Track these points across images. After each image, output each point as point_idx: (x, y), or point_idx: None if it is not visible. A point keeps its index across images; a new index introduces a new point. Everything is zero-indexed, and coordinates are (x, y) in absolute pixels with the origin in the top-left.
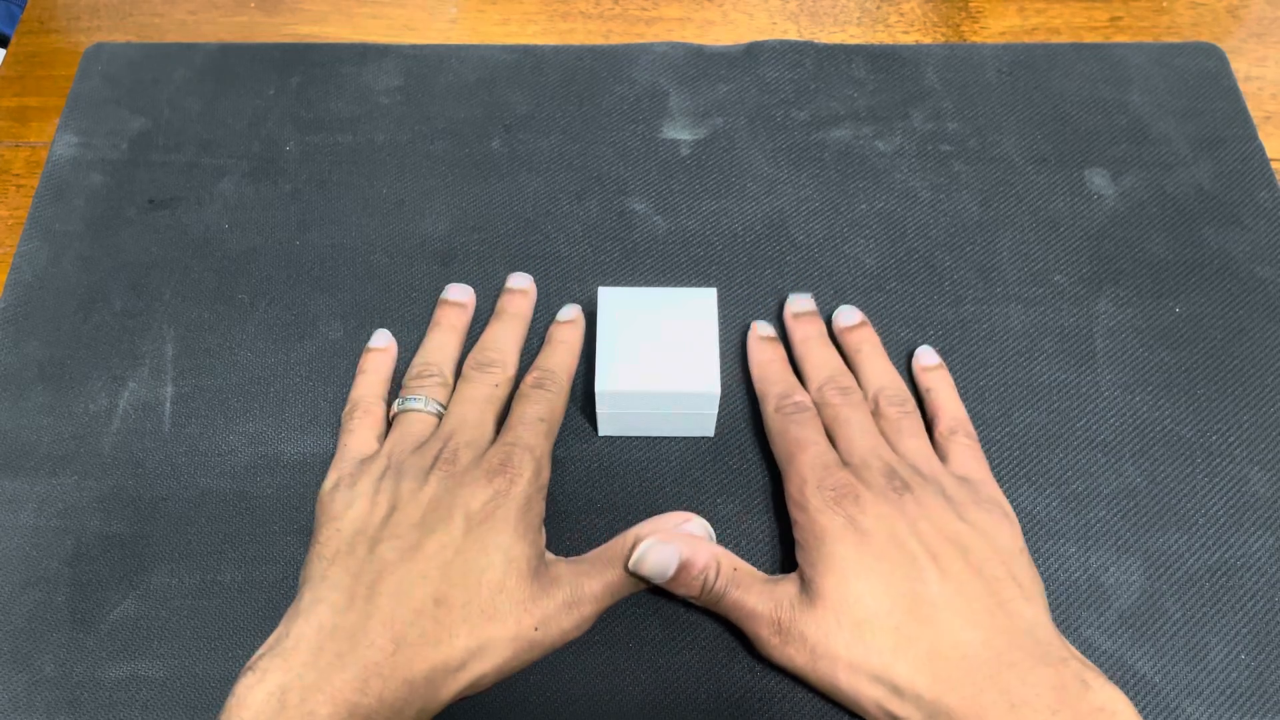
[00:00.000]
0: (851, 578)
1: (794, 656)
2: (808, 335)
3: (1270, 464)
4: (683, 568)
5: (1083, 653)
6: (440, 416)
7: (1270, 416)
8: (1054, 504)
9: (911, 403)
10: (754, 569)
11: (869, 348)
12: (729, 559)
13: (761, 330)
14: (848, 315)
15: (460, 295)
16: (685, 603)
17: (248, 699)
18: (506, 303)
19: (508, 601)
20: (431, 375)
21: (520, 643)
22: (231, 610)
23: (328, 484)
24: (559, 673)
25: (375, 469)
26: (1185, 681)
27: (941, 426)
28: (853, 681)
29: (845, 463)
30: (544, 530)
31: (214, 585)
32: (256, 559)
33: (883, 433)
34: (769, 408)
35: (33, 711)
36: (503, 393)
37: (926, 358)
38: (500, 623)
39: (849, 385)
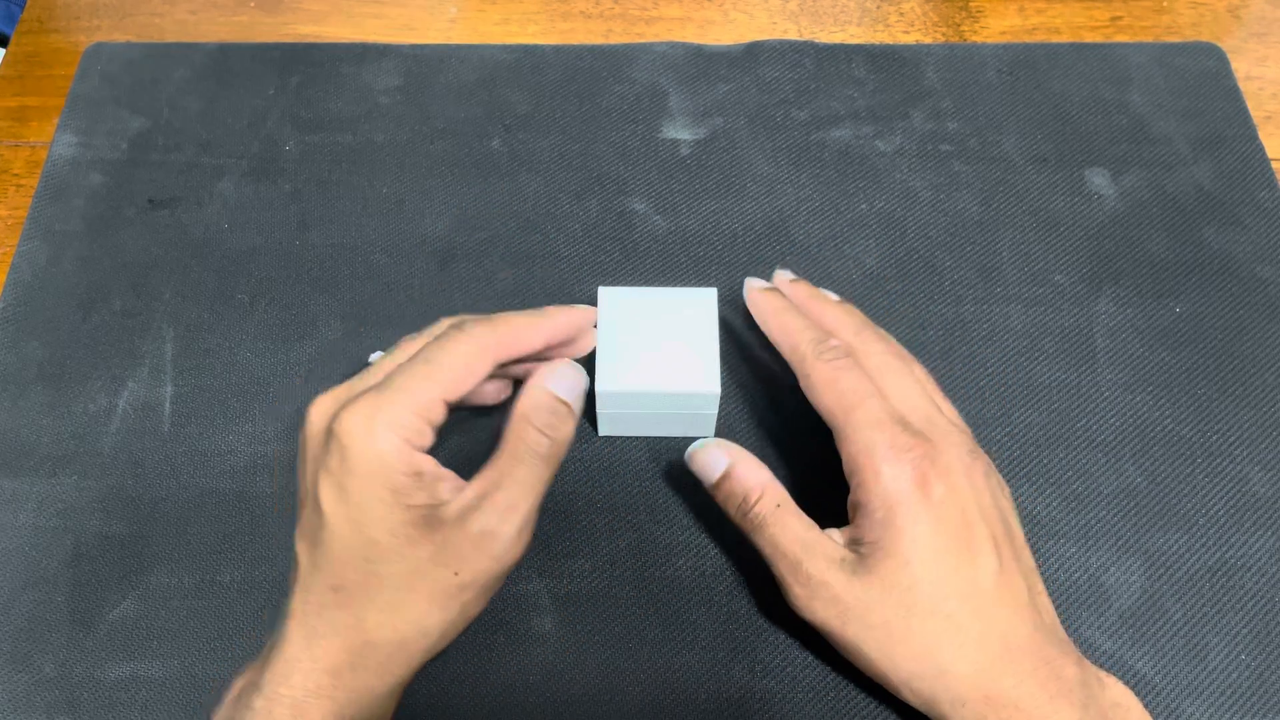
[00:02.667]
0: (915, 562)
1: (819, 611)
2: (814, 293)
3: (1271, 464)
4: (726, 477)
5: (1083, 652)
6: None
7: (1271, 416)
8: (1054, 504)
9: (895, 342)
10: (800, 511)
11: (823, 298)
12: (777, 491)
13: (758, 283)
14: (785, 272)
15: None
16: (684, 603)
17: (223, 699)
18: (549, 309)
19: (406, 566)
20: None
21: (447, 596)
22: (231, 610)
23: None
24: (559, 673)
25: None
26: (1185, 681)
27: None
28: (887, 653)
29: (905, 420)
30: (439, 479)
31: (214, 585)
32: (256, 559)
33: None
34: (806, 355)
35: (33, 711)
36: (416, 345)
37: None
38: (409, 589)
39: (885, 334)
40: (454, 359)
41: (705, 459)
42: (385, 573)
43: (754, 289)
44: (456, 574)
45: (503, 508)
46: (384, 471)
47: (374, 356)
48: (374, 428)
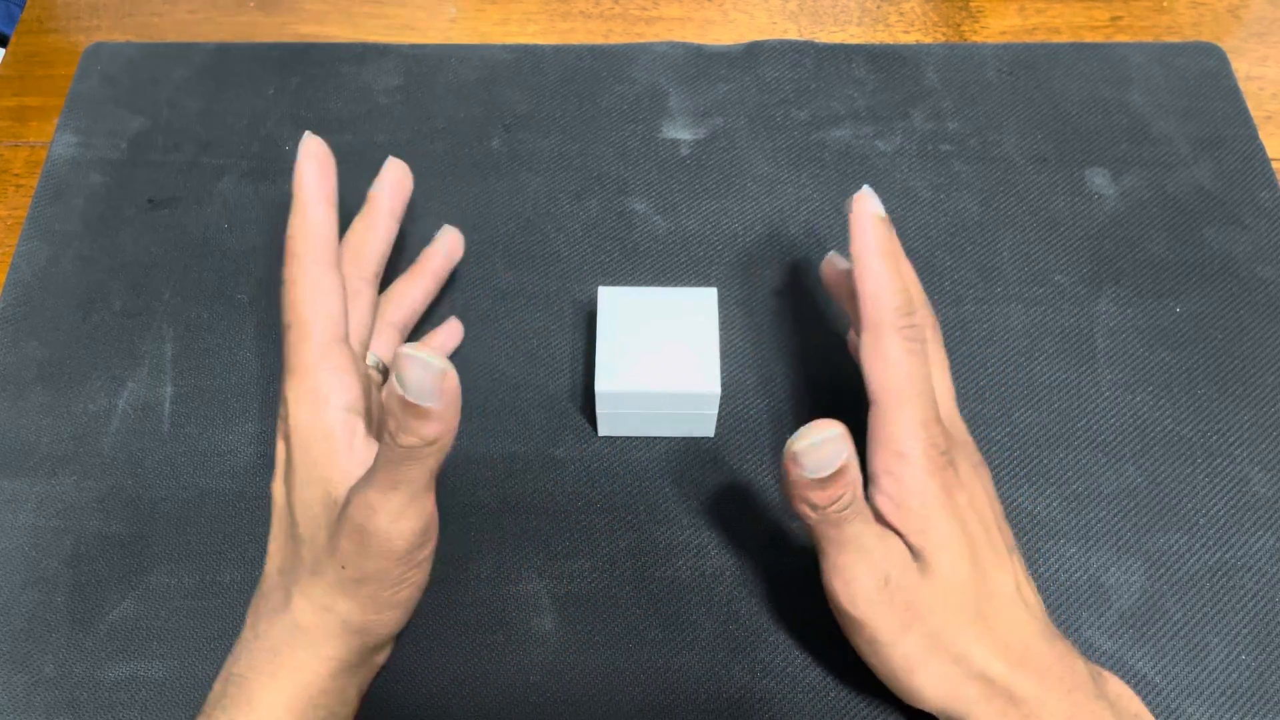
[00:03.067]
0: (960, 559)
1: (884, 616)
2: (897, 250)
3: (1271, 464)
4: (842, 471)
5: (1083, 652)
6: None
7: (1271, 416)
8: (1054, 504)
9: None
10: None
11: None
12: (860, 483)
13: (875, 207)
14: (875, 202)
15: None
16: (684, 603)
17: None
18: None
19: (316, 551)
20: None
21: (345, 588)
22: (231, 610)
23: None
24: (559, 673)
25: None
26: (1186, 682)
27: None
28: (927, 659)
29: (940, 421)
30: (356, 452)
31: (213, 585)
32: (256, 559)
33: None
34: (885, 322)
35: (32, 711)
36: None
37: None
38: (318, 574)
39: (937, 322)
40: (302, 305)
41: (826, 454)
42: (303, 556)
43: (868, 211)
44: (344, 568)
45: (366, 505)
46: (304, 446)
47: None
48: (290, 407)
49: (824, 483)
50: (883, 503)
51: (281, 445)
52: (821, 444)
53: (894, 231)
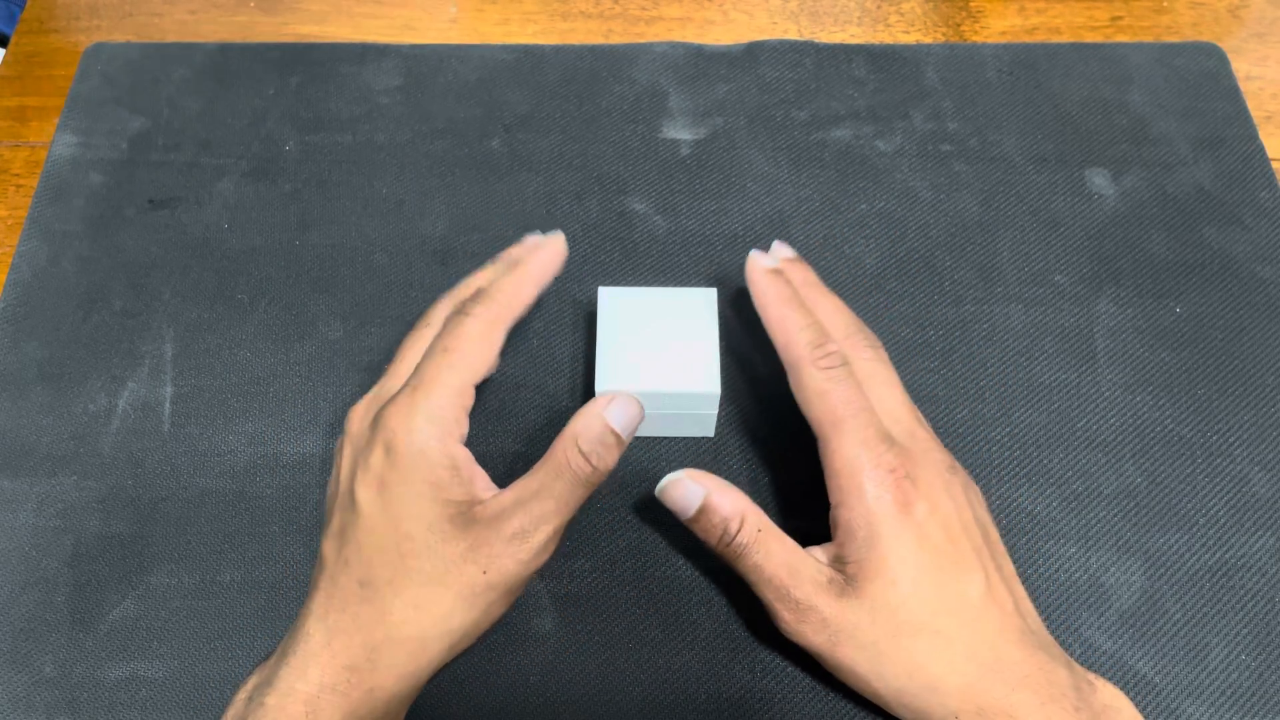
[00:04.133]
0: (902, 581)
1: (809, 635)
2: (809, 279)
3: (1271, 464)
4: (704, 511)
5: (1083, 653)
6: None
7: (1271, 416)
8: (1054, 504)
9: (882, 349)
10: (782, 533)
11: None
12: (756, 516)
13: (765, 260)
14: (783, 248)
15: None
16: (684, 603)
17: (234, 699)
18: (507, 251)
19: (437, 562)
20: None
21: (473, 594)
22: (231, 610)
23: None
24: (559, 673)
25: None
26: (1185, 682)
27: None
28: (877, 672)
29: (890, 435)
30: (474, 476)
31: (214, 585)
32: (256, 559)
33: None
34: (801, 359)
35: (33, 711)
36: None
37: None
38: (438, 584)
39: (874, 339)
40: (470, 343)
41: (679, 493)
42: (416, 567)
43: (758, 267)
44: (485, 573)
45: (536, 516)
46: (425, 466)
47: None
48: (414, 422)
49: (696, 522)
50: (835, 529)
51: (380, 454)
52: (670, 485)
53: (782, 279)
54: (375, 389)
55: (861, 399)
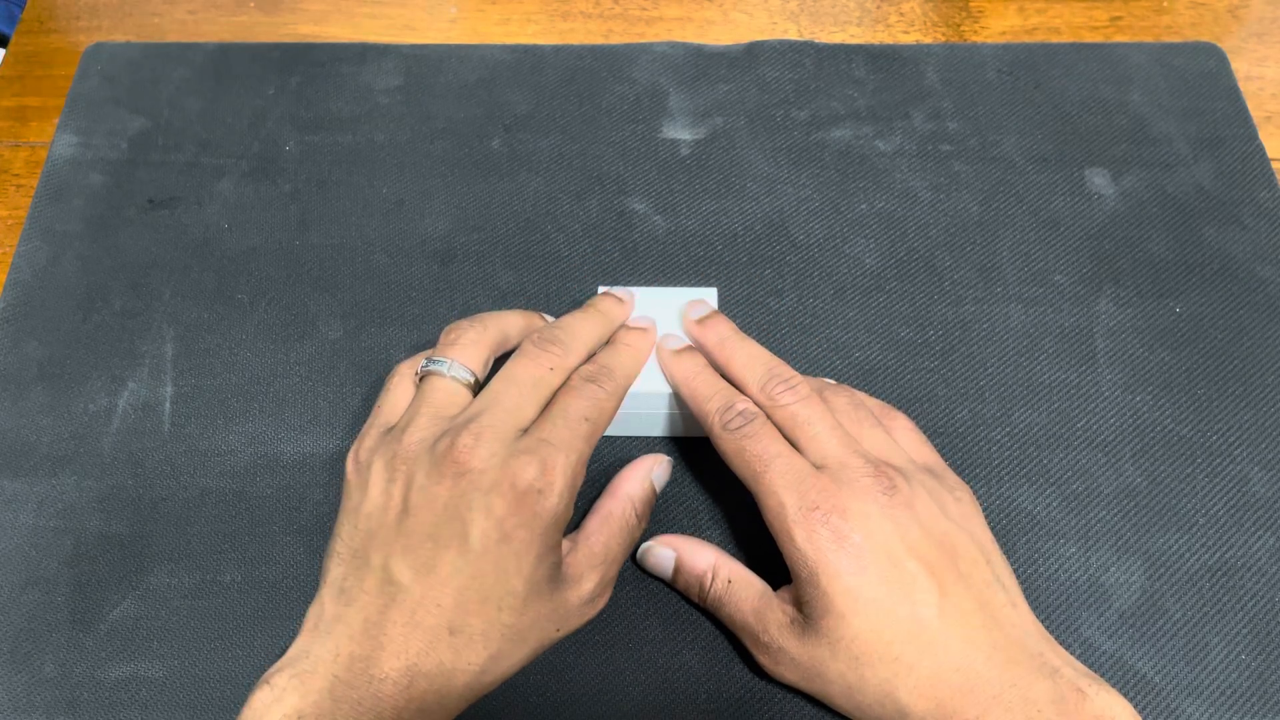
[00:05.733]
0: (851, 616)
1: (786, 674)
2: (722, 336)
3: (1271, 464)
4: (679, 570)
5: (1083, 653)
6: (474, 389)
7: (1271, 416)
8: (1054, 504)
9: (844, 386)
10: (753, 579)
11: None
12: (727, 568)
13: (670, 344)
14: (694, 309)
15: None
16: (684, 602)
17: (265, 717)
18: (599, 301)
19: (526, 619)
20: (468, 336)
21: (541, 647)
22: (231, 610)
23: (351, 452)
24: (559, 673)
25: (390, 450)
26: (1185, 681)
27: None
28: (852, 702)
29: (818, 467)
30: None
31: (214, 585)
32: (256, 559)
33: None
34: (713, 427)
35: (33, 711)
36: (557, 380)
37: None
38: (521, 641)
39: (792, 377)
40: (601, 416)
41: (654, 560)
42: (508, 622)
43: (665, 352)
44: (558, 630)
45: (608, 579)
46: (554, 531)
47: (433, 365)
48: (557, 485)
49: (676, 580)
50: (791, 572)
51: (512, 503)
52: (643, 556)
53: (689, 355)
54: (487, 417)
55: (775, 447)
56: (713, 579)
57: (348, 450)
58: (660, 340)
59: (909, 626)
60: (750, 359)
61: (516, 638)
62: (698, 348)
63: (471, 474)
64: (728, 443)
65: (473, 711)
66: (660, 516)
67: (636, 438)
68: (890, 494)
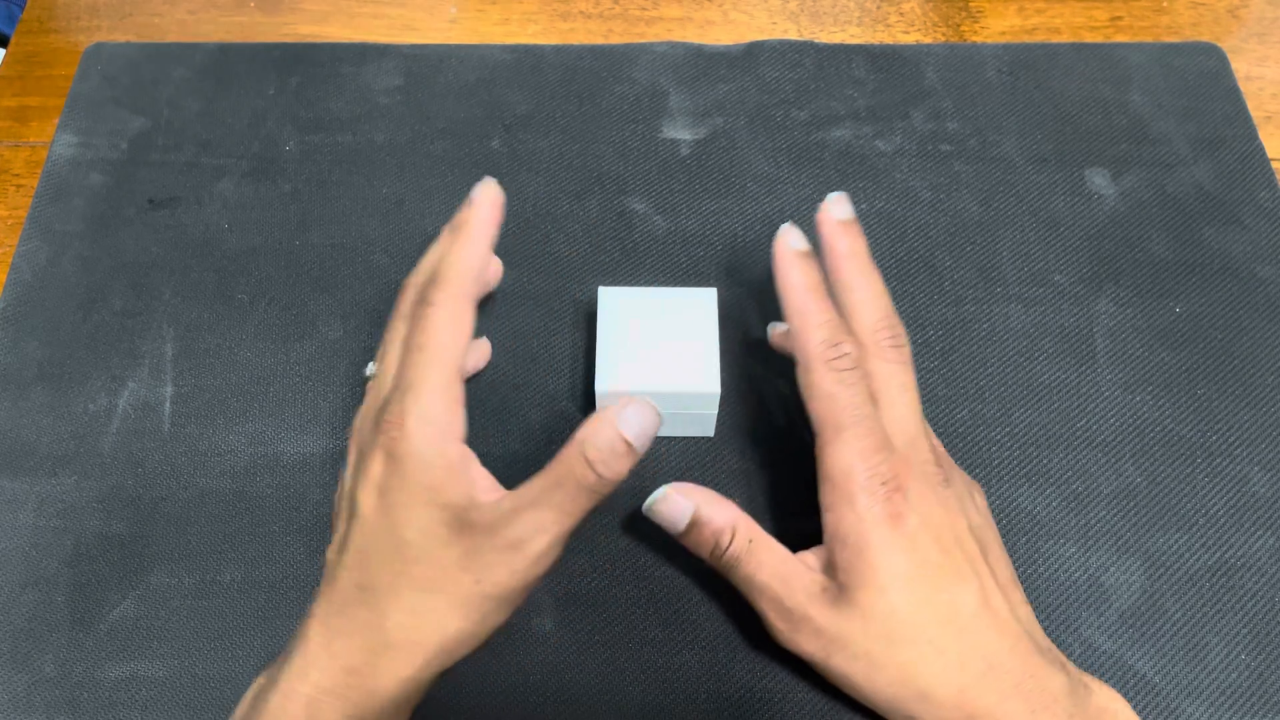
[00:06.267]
0: (892, 591)
1: (803, 644)
2: (855, 251)
3: (1271, 464)
4: (695, 525)
5: (1083, 653)
6: None
7: (1271, 416)
8: (1054, 504)
9: (907, 346)
10: (773, 541)
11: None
12: (747, 526)
13: (795, 241)
14: (839, 207)
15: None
16: (684, 603)
17: (243, 698)
18: (460, 216)
19: (432, 568)
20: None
21: (467, 602)
22: (231, 610)
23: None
24: (559, 673)
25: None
26: (1185, 681)
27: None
28: (870, 680)
29: (891, 444)
30: (474, 477)
31: (214, 585)
32: (256, 559)
33: None
34: (811, 355)
35: (33, 711)
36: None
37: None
38: (433, 591)
39: (902, 334)
40: (440, 334)
41: (668, 509)
42: (412, 573)
43: (786, 249)
44: (478, 582)
45: (533, 526)
46: (421, 469)
47: (369, 369)
48: (407, 426)
49: (687, 537)
50: (825, 536)
51: (380, 460)
52: (658, 503)
53: (809, 264)
54: (370, 394)
55: (867, 406)
56: (732, 537)
57: (348, 450)
58: (783, 232)
59: (945, 612)
60: (873, 295)
61: (426, 587)
62: (823, 246)
63: (357, 445)
64: (823, 380)
65: (472, 711)
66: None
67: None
68: (946, 485)
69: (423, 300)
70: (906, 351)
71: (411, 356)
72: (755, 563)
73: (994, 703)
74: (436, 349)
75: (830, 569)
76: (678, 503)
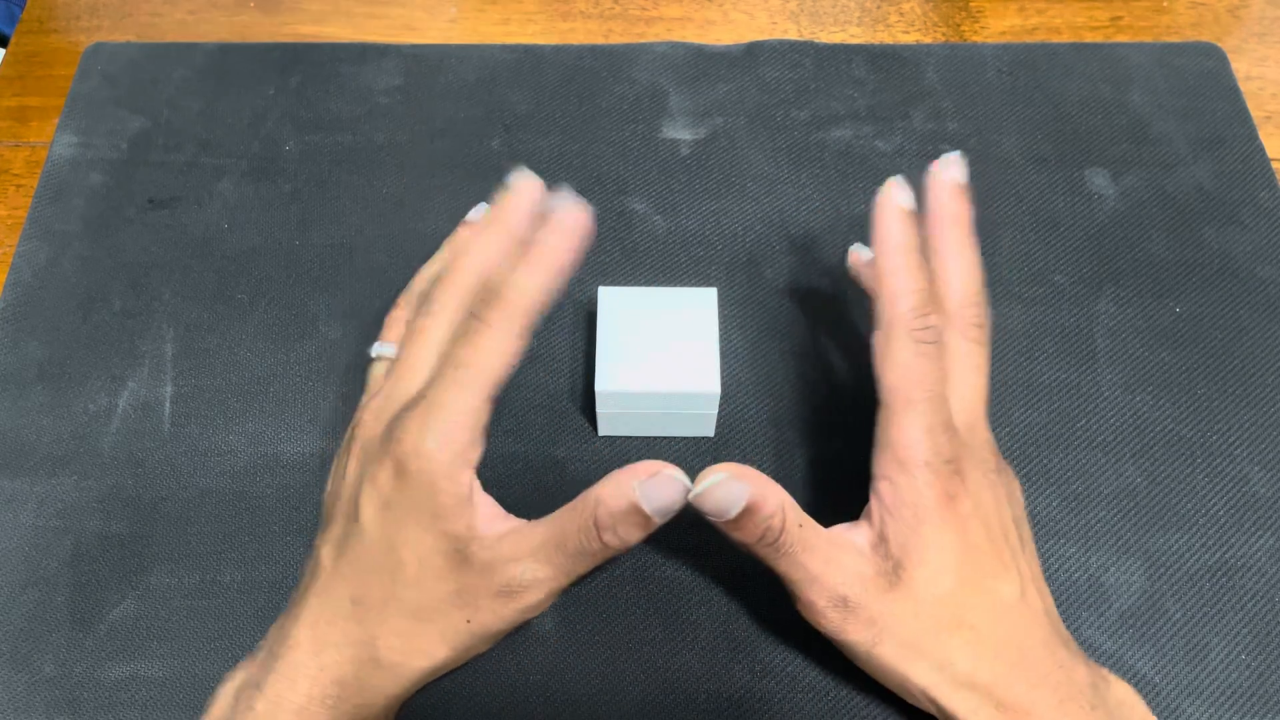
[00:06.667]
0: (947, 573)
1: (853, 633)
2: (960, 218)
3: (1271, 464)
4: (748, 510)
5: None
6: None
7: (1271, 416)
8: (1054, 504)
9: (989, 326)
10: (816, 524)
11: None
12: (795, 511)
13: (901, 197)
14: (955, 168)
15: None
16: (684, 603)
17: (219, 693)
18: (499, 204)
19: (425, 598)
20: (395, 313)
21: (456, 637)
22: (231, 610)
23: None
24: (559, 673)
25: (344, 438)
26: (1185, 681)
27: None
28: (910, 667)
29: (954, 427)
30: (476, 505)
31: (214, 585)
32: (256, 559)
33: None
34: (895, 320)
35: (33, 711)
36: (445, 326)
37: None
38: (423, 620)
39: (984, 317)
40: (488, 357)
41: (723, 495)
42: (405, 597)
43: (890, 203)
44: (469, 621)
45: (529, 578)
46: (430, 493)
47: (375, 349)
48: (425, 445)
49: (736, 523)
50: (877, 506)
51: (389, 471)
52: (711, 489)
53: (909, 225)
54: (387, 388)
55: (941, 384)
56: (784, 520)
57: (350, 432)
58: (891, 183)
59: (990, 599)
60: (968, 267)
61: (417, 615)
62: (930, 204)
63: (366, 448)
64: (903, 348)
65: (472, 711)
66: None
67: (636, 438)
68: (999, 473)
69: (475, 317)
70: (985, 333)
71: (448, 372)
72: (809, 550)
73: (1023, 692)
74: (478, 371)
75: (880, 543)
76: (733, 489)
